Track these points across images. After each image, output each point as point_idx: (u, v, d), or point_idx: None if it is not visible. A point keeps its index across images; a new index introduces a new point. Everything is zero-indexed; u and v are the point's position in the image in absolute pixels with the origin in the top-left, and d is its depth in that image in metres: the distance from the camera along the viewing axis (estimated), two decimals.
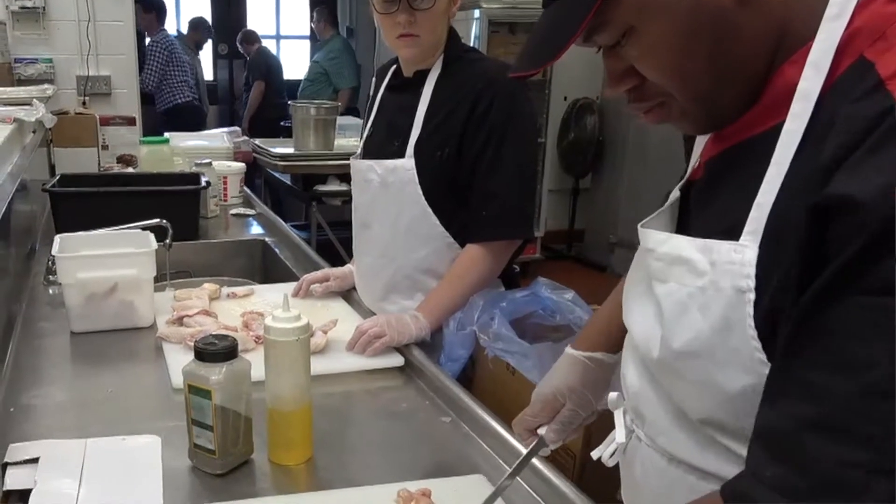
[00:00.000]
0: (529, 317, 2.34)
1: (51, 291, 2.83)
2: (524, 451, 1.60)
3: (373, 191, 2.49)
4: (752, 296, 1.02)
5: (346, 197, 5.54)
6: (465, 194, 2.38)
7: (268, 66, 9.93)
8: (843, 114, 0.92)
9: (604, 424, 1.53)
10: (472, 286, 2.38)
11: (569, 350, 1.62)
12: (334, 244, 5.82)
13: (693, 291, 1.10)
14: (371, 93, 2.73)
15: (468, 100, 2.32)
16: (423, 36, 2.32)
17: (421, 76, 2.44)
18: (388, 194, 2.44)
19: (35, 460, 1.38)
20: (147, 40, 8.73)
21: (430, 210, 2.38)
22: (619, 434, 1.46)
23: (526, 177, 2.40)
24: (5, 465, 1.38)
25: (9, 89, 4.46)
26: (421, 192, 2.37)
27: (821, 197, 0.89)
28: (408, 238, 2.43)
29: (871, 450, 0.82)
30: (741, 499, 0.95)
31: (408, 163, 2.38)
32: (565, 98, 8.46)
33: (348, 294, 2.77)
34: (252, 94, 9.70)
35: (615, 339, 1.58)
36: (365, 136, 2.67)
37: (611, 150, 8.44)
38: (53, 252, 2.47)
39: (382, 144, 2.52)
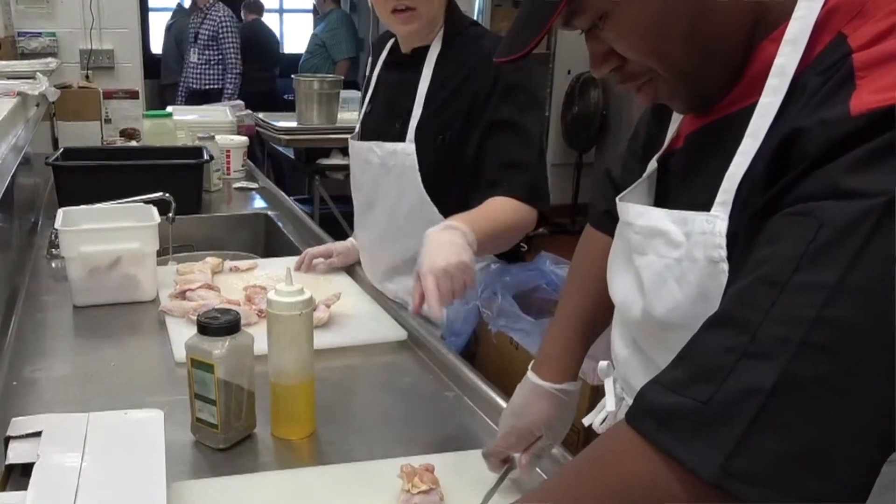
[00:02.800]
0: (533, 291, 2.32)
1: (53, 265, 2.84)
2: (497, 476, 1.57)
3: (374, 172, 2.43)
4: (725, 266, 1.05)
5: (349, 171, 5.52)
6: (465, 181, 2.28)
7: (256, 37, 9.71)
8: (810, 84, 0.95)
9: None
10: (509, 222, 2.14)
11: (539, 381, 1.55)
12: (337, 218, 5.81)
13: (670, 263, 1.13)
14: (368, 68, 2.65)
15: (472, 81, 2.23)
16: (419, 9, 2.21)
17: (420, 53, 2.34)
18: (389, 177, 2.37)
19: (38, 434, 1.37)
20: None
21: (427, 198, 2.30)
22: (609, 402, 1.48)
23: (542, 150, 2.29)
24: (8, 438, 1.37)
25: (12, 63, 4.45)
26: (420, 178, 2.30)
27: (776, 144, 0.94)
28: (408, 223, 2.35)
29: (747, 334, 0.86)
30: (636, 399, 0.96)
31: (409, 147, 2.30)
32: (569, 72, 8.45)
33: (351, 268, 2.76)
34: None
35: (578, 364, 1.58)
36: (363, 113, 2.59)
37: (614, 123, 8.41)
38: (56, 225, 2.46)
39: (382, 125, 2.44)
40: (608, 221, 1.34)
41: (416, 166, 2.29)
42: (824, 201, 0.84)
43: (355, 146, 2.53)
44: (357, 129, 2.60)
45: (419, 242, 2.25)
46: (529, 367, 1.60)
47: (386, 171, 2.37)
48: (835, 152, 0.85)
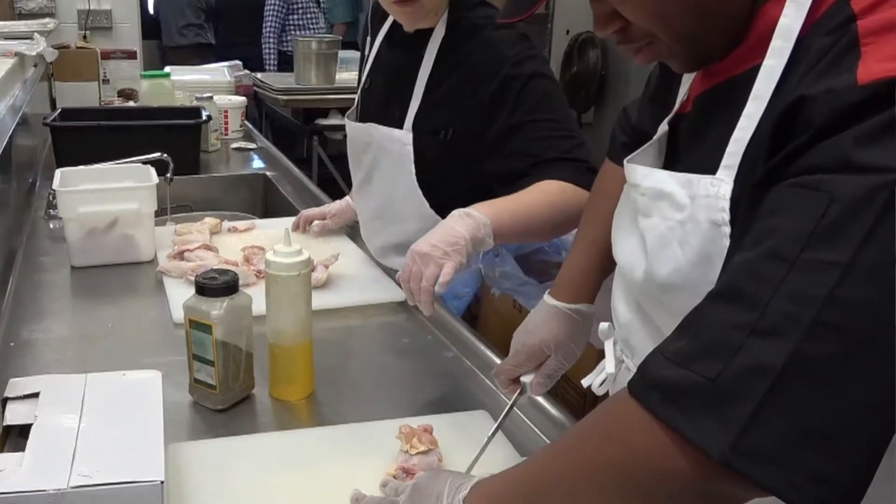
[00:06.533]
0: (535, 254, 2.31)
1: (51, 225, 2.83)
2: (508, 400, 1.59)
3: (374, 153, 2.33)
4: (727, 229, 1.05)
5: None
6: (466, 182, 2.15)
7: None
8: (814, 47, 0.94)
9: None
10: (550, 206, 1.99)
11: (552, 301, 1.59)
12: (335, 178, 5.81)
13: (673, 225, 1.13)
14: (368, 40, 2.52)
15: (476, 78, 2.11)
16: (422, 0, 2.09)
17: (422, 35, 2.22)
18: (388, 159, 2.28)
19: (35, 395, 1.37)
20: None
21: (419, 191, 2.20)
22: (608, 364, 1.47)
23: (575, 133, 2.12)
24: (5, 399, 1.37)
25: (10, 23, 4.44)
26: (414, 170, 2.20)
27: (780, 111, 0.92)
28: (402, 209, 2.27)
29: (756, 311, 0.85)
30: (639, 370, 0.96)
31: (406, 136, 2.20)
32: (567, 32, 8.37)
33: (350, 229, 2.75)
34: None
35: (594, 287, 1.59)
36: (361, 89, 2.49)
37: (613, 84, 8.36)
38: (54, 186, 2.45)
39: (381, 107, 2.34)
40: (626, 154, 1.34)
41: (412, 156, 2.20)
42: (834, 174, 0.83)
43: (353, 127, 2.44)
44: (355, 106, 2.50)
45: (411, 231, 2.16)
46: (546, 292, 1.62)
47: (385, 152, 2.29)
48: (843, 122, 0.84)
